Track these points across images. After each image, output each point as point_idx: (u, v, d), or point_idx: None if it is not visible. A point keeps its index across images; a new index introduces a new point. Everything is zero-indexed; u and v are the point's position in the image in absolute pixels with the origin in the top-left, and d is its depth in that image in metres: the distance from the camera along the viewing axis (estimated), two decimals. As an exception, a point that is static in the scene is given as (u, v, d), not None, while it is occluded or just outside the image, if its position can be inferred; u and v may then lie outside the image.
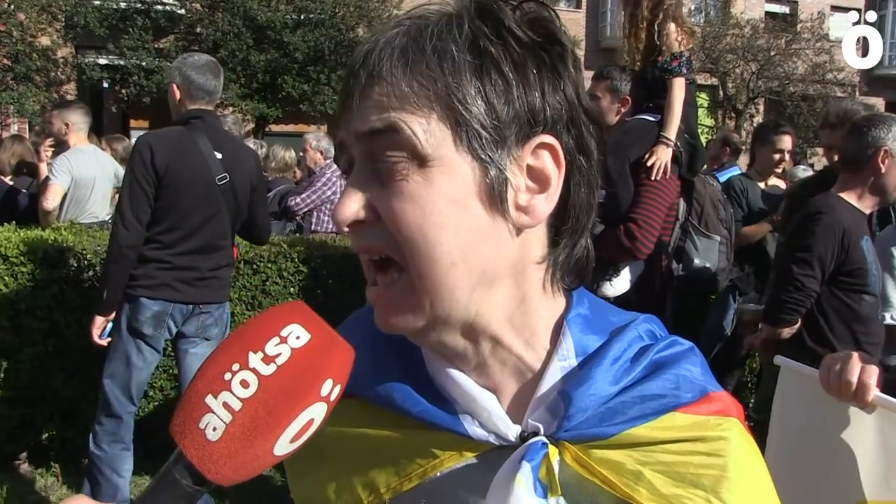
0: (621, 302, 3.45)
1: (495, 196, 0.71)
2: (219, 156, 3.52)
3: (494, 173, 0.71)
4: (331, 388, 0.65)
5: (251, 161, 3.77)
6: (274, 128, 21.08)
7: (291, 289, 4.62)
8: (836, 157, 3.44)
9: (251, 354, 0.63)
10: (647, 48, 3.74)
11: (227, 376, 0.62)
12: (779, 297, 2.99)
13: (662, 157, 3.50)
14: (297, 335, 0.64)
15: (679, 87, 3.62)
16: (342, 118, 0.74)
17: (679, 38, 3.73)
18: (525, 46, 0.71)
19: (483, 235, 0.72)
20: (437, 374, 0.79)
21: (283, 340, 0.64)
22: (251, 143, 7.57)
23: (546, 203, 0.73)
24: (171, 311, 3.48)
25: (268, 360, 0.63)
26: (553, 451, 0.74)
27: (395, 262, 0.73)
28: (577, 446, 0.75)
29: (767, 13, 27.22)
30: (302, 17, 19.88)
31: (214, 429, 0.61)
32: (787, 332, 2.99)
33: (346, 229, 0.73)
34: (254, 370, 0.62)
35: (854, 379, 1.65)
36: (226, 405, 0.61)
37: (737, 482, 0.73)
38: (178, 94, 3.55)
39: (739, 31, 24.50)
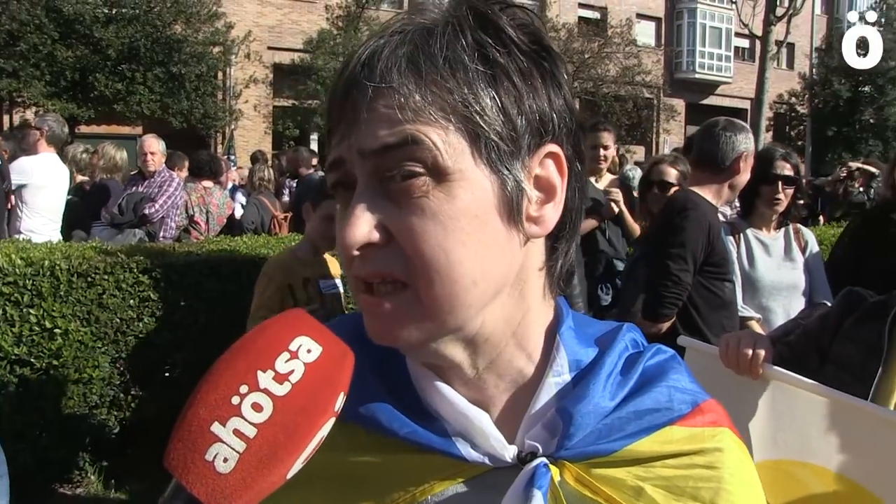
0: None
1: (513, 209, 0.70)
2: None
3: (512, 185, 0.69)
4: (342, 401, 0.61)
5: None
6: (84, 129, 19.66)
7: (131, 301, 4.30)
8: None
9: (260, 374, 0.57)
10: None
11: (236, 400, 0.56)
12: (658, 293, 3.11)
13: None
14: (307, 348, 0.59)
15: None
16: (339, 133, 0.69)
17: None
18: (527, 55, 0.70)
19: (501, 250, 0.70)
20: (425, 390, 0.75)
21: (294, 355, 0.58)
22: (80, 147, 7.04)
23: (554, 212, 0.73)
24: None
25: (280, 378, 0.57)
26: (554, 471, 0.72)
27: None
28: (576, 465, 0.73)
29: (580, 18, 28.68)
30: (114, 12, 18.75)
31: (225, 460, 0.55)
32: (666, 326, 3.12)
33: (355, 253, 0.67)
34: (265, 391, 0.56)
35: (749, 352, 1.84)
36: (237, 433, 0.55)
37: (734, 493, 0.74)
38: None
39: (556, 35, 25.68)
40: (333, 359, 0.60)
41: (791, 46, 20.96)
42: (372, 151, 0.66)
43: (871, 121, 30.62)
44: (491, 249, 0.69)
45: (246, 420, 0.56)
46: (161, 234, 6.02)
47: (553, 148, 0.72)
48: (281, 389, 0.57)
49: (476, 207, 0.67)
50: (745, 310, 3.49)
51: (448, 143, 0.65)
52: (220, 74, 22.31)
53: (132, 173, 6.57)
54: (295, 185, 8.50)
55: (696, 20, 31.78)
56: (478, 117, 0.66)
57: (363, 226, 0.66)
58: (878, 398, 1.70)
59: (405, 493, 0.73)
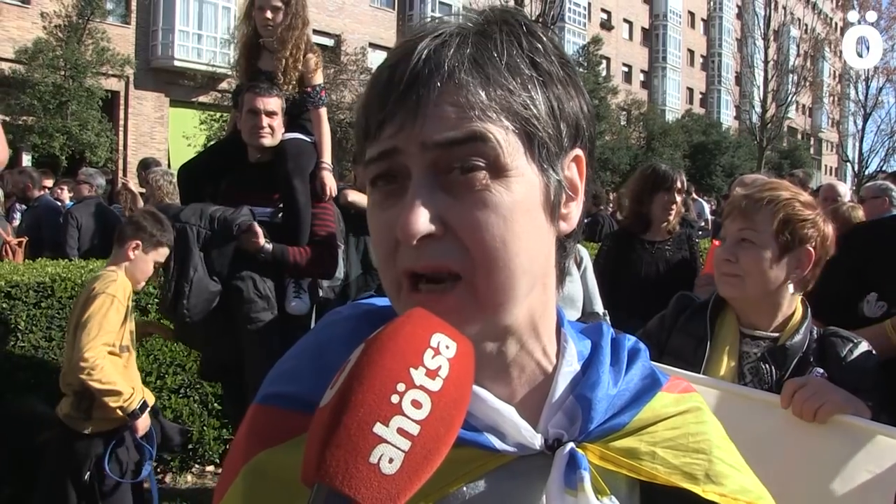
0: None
1: (554, 206, 0.75)
2: None
3: (555, 185, 0.74)
4: None
5: None
6: None
7: None
8: None
9: (413, 371, 0.57)
10: (294, 71, 3.82)
11: (395, 399, 0.56)
12: None
13: (331, 181, 3.72)
14: (445, 344, 0.60)
15: (325, 116, 3.91)
16: (395, 124, 0.70)
17: (317, 69, 3.95)
18: (562, 64, 0.75)
19: (543, 244, 0.75)
20: None
21: (437, 351, 0.59)
22: None
23: (578, 210, 0.79)
24: None
25: (431, 374, 0.58)
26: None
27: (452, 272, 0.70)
28: (597, 444, 0.79)
29: (315, 44, 28.53)
30: None
31: (391, 460, 0.54)
32: None
33: (413, 243, 0.68)
34: (422, 387, 0.57)
35: None
36: (401, 431, 0.55)
37: (718, 440, 0.85)
38: None
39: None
40: (466, 353, 0.62)
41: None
42: (436, 144, 0.68)
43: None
44: (538, 243, 0.73)
45: (408, 418, 0.55)
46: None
47: (579, 152, 0.77)
48: (434, 385, 0.57)
49: (528, 202, 0.71)
50: None
51: (507, 142, 0.69)
52: None
53: None
54: (25, 208, 7.80)
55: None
56: (534, 120, 0.71)
57: (423, 216, 0.67)
58: (708, 375, 1.91)
59: (435, 487, 0.71)
